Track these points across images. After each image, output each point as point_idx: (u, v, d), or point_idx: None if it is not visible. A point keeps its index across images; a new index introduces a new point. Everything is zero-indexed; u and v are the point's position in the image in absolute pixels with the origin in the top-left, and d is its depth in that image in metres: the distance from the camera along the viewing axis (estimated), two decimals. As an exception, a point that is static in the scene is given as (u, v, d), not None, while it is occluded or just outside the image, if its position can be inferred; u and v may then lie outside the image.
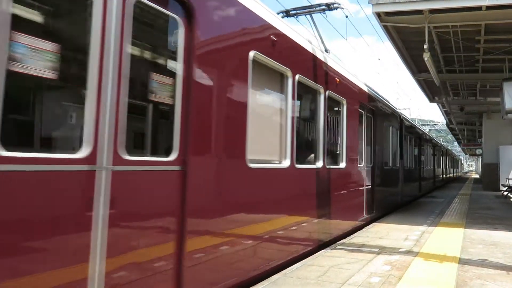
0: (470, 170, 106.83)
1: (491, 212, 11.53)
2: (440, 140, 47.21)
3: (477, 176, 57.56)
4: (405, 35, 11.96)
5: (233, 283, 3.92)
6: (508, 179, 18.63)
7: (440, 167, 29.09)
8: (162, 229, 3.15)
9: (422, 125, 47.05)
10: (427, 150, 21.55)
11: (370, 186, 9.10)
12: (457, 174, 58.29)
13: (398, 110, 13.63)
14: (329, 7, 7.71)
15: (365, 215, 8.79)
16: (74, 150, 2.58)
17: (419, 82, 17.44)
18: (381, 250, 6.11)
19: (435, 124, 55.79)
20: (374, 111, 9.56)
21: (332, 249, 6.11)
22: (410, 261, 5.39)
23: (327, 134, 6.60)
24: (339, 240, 6.84)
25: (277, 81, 5.21)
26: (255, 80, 4.41)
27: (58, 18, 2.86)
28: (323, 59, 6.47)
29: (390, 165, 11.62)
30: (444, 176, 32.20)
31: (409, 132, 15.25)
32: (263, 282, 4.35)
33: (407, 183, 14.31)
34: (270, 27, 4.80)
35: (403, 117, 14.56)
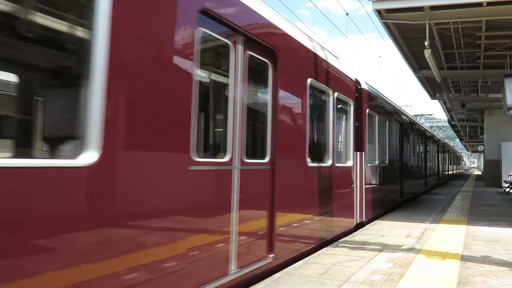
0: (472, 167, 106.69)
1: (493, 209, 11.51)
2: (439, 134, 45.90)
3: (479, 172, 57.48)
4: (406, 32, 11.94)
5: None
6: (510, 175, 18.61)
7: (435, 164, 24.15)
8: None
9: (416, 115, 42.56)
10: (416, 143, 16.53)
11: (270, 203, 4.74)
12: (458, 171, 54.77)
13: (359, 77, 8.58)
14: None
15: (230, 271, 3.97)
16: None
17: (420, 79, 17.42)
18: (383, 247, 6.10)
19: (430, 115, 54.09)
20: (283, 62, 5.03)
21: (334, 247, 6.11)
22: (412, 259, 5.39)
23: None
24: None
25: None
26: None
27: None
28: None
29: (329, 161, 6.65)
30: (441, 174, 27.32)
31: (382, 114, 10.29)
32: (265, 280, 4.36)
33: (379, 187, 9.74)
34: None
35: (370, 88, 9.27)
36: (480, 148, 33.68)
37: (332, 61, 6.94)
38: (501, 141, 20.75)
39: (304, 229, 5.75)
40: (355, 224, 7.86)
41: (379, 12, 10.15)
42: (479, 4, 9.28)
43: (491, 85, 18.27)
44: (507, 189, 17.59)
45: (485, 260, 5.43)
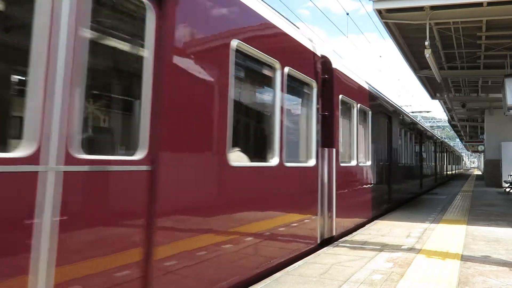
0: (472, 167, 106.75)
1: (493, 209, 11.50)
2: (437, 133, 45.11)
3: (480, 172, 57.43)
4: (406, 32, 11.94)
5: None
6: (511, 175, 18.61)
7: (432, 164, 21.72)
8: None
9: (413, 112, 41.08)
10: (409, 141, 14.39)
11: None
12: (458, 171, 51.57)
13: (330, 54, 6.83)
14: None
15: None
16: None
17: (421, 79, 17.42)
18: (384, 247, 6.10)
19: (428, 111, 53.34)
20: (179, 6, 3.35)
21: (334, 246, 6.11)
22: (412, 258, 5.39)
23: None
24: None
25: None
26: None
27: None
28: None
29: (274, 159, 4.84)
30: (439, 175, 25.36)
31: (363, 103, 8.49)
32: (265, 280, 4.36)
33: (358, 191, 8.23)
34: None
35: (346, 70, 7.58)
36: (480, 148, 33.72)
37: (283, 26, 5.22)
38: (501, 141, 20.75)
39: (219, 261, 3.78)
40: (319, 241, 6.12)
41: (379, 12, 10.15)
42: (480, 4, 9.28)
43: (491, 85, 18.28)
44: (507, 189, 17.59)
45: (485, 260, 5.43)
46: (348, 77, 7.59)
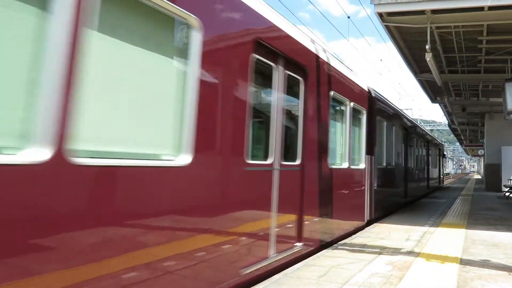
0: (472, 171, 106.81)
1: (493, 213, 11.51)
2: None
3: (479, 176, 57.36)
4: (407, 35, 11.96)
5: None
6: (510, 179, 18.61)
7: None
8: None
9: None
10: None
11: None
12: (434, 182, 23.07)
13: None
14: None
15: None
16: None
17: (421, 82, 17.43)
18: (383, 250, 6.11)
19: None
20: None
21: (333, 249, 6.11)
22: (412, 262, 5.39)
23: None
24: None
25: None
26: None
27: None
28: None
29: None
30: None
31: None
32: (264, 282, 4.36)
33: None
34: None
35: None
36: (480, 152, 33.70)
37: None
38: (501, 146, 20.76)
39: None
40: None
41: (380, 15, 10.17)
42: (481, 9, 9.30)
43: (491, 89, 18.28)
44: (507, 194, 17.59)
45: (484, 264, 5.43)
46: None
